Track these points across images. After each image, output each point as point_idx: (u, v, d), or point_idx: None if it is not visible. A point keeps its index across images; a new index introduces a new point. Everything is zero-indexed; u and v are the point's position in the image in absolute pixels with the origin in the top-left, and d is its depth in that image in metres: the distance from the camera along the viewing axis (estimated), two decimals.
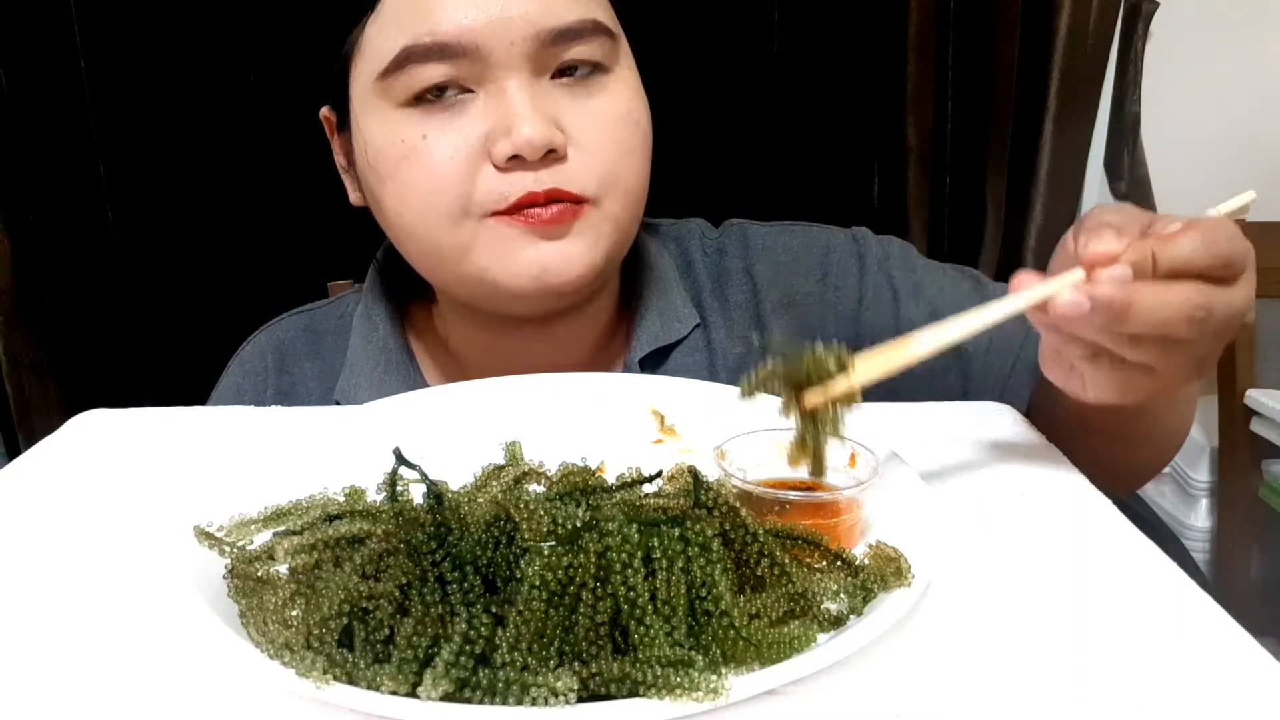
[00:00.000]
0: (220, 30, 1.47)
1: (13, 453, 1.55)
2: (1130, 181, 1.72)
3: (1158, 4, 1.64)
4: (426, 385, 0.72)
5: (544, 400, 0.58)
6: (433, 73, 0.60)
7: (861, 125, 1.62)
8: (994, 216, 1.67)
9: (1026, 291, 0.45)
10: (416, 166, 0.61)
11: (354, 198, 0.71)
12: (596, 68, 0.63)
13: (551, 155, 0.60)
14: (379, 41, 0.61)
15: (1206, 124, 1.74)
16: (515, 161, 0.60)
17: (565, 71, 0.62)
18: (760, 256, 0.76)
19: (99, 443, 0.59)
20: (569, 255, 0.62)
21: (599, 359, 0.74)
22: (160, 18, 1.45)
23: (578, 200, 0.61)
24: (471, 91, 0.61)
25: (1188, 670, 0.35)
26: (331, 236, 1.25)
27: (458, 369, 0.74)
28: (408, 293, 0.76)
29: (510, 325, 0.68)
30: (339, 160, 0.71)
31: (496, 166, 0.60)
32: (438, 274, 0.67)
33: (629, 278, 0.74)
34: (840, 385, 0.44)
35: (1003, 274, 0.81)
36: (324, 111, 0.70)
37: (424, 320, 0.77)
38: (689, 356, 0.72)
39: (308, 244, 1.47)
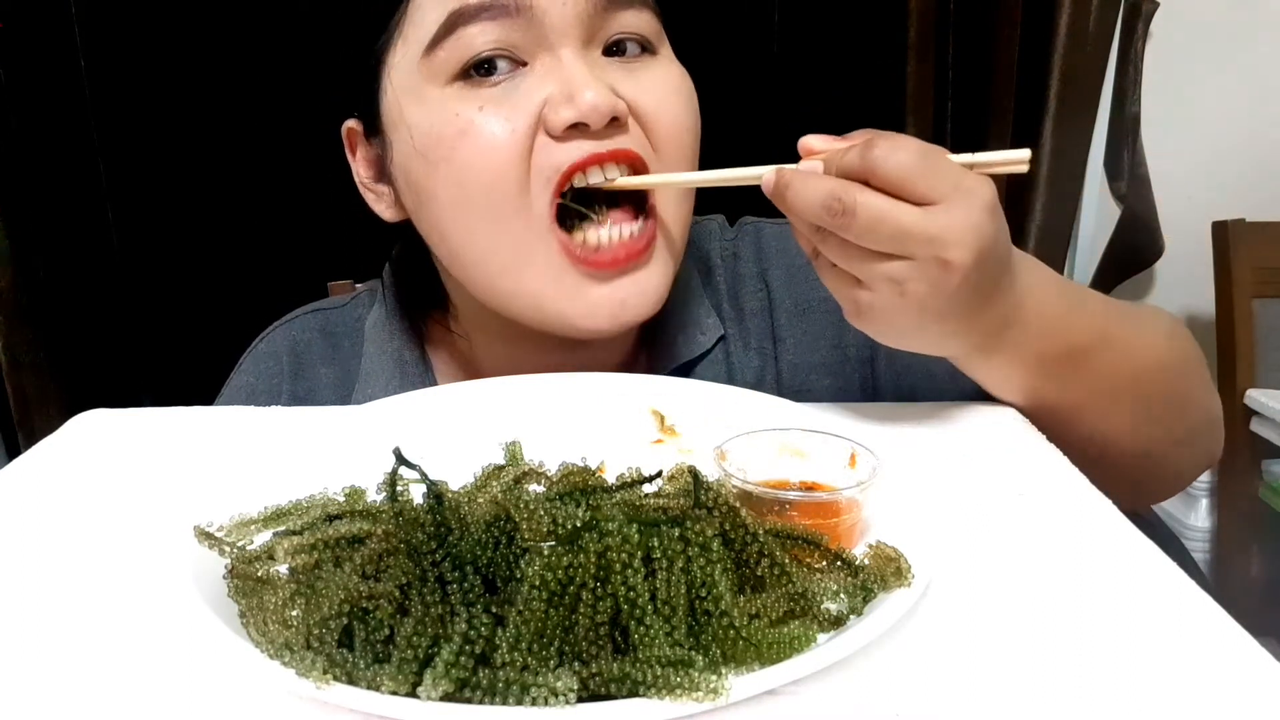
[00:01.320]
0: (220, 29, 1.47)
1: (13, 453, 1.55)
2: (1130, 181, 1.72)
3: (1158, 4, 1.64)
4: None
5: (544, 400, 0.58)
6: (484, 37, 0.57)
7: (861, 125, 1.62)
8: None
9: (756, 168, 0.53)
10: (475, 142, 0.58)
11: (386, 212, 0.67)
12: (644, 48, 0.62)
13: (614, 124, 0.59)
14: (422, 16, 0.59)
15: (1206, 124, 1.73)
16: (574, 131, 0.58)
17: (614, 52, 0.61)
18: (774, 260, 0.73)
19: (99, 443, 0.59)
20: (645, 288, 0.61)
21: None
22: (159, 17, 1.45)
23: (637, 162, 0.60)
24: (524, 65, 0.59)
25: (1188, 670, 0.35)
26: (331, 237, 1.25)
27: None
28: (425, 303, 0.74)
29: (536, 344, 0.66)
30: (361, 174, 0.68)
31: (553, 136, 0.58)
32: (484, 285, 0.63)
33: None
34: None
35: None
36: (349, 124, 0.67)
37: (441, 333, 0.74)
38: (708, 371, 0.70)
39: (308, 244, 1.47)
